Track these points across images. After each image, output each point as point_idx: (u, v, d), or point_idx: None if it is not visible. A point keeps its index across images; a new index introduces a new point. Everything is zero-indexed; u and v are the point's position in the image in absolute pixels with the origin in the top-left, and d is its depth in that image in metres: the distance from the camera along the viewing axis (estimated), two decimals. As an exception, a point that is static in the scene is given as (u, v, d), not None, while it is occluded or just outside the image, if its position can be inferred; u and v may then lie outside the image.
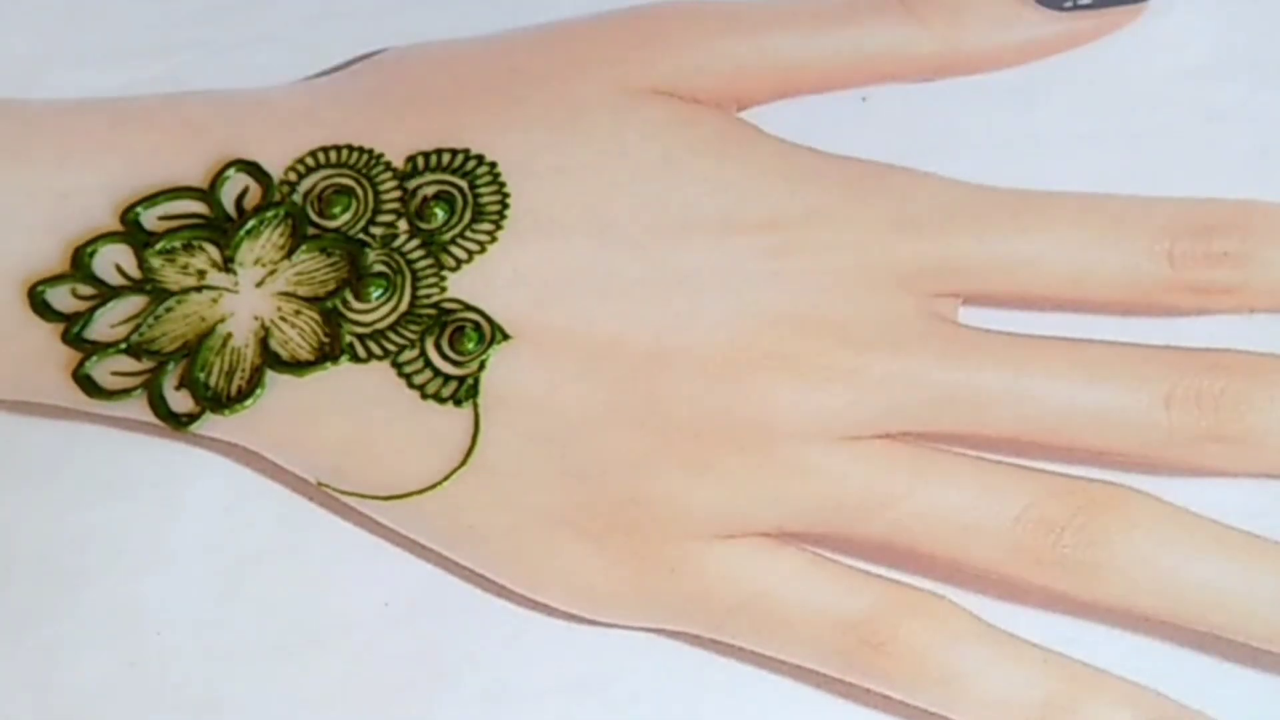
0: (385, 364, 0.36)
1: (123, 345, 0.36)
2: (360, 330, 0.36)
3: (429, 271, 0.36)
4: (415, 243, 0.36)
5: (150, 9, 0.42)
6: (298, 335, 0.36)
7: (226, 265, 0.36)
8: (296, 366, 0.36)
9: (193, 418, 0.36)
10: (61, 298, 0.36)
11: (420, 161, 0.37)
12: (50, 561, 0.38)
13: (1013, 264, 0.37)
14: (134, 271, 0.36)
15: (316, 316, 0.36)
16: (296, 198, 0.37)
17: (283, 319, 0.36)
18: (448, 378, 0.36)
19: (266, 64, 0.40)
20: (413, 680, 0.37)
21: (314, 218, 0.37)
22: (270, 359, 0.36)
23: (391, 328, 0.36)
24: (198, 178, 0.36)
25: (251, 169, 0.37)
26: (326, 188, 0.37)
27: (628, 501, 0.35)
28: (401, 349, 0.36)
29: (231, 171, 0.37)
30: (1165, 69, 0.40)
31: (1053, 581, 0.35)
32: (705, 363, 0.36)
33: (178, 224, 0.36)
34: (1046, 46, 0.40)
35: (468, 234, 0.36)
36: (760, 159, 0.38)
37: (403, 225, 0.37)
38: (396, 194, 0.37)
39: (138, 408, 0.37)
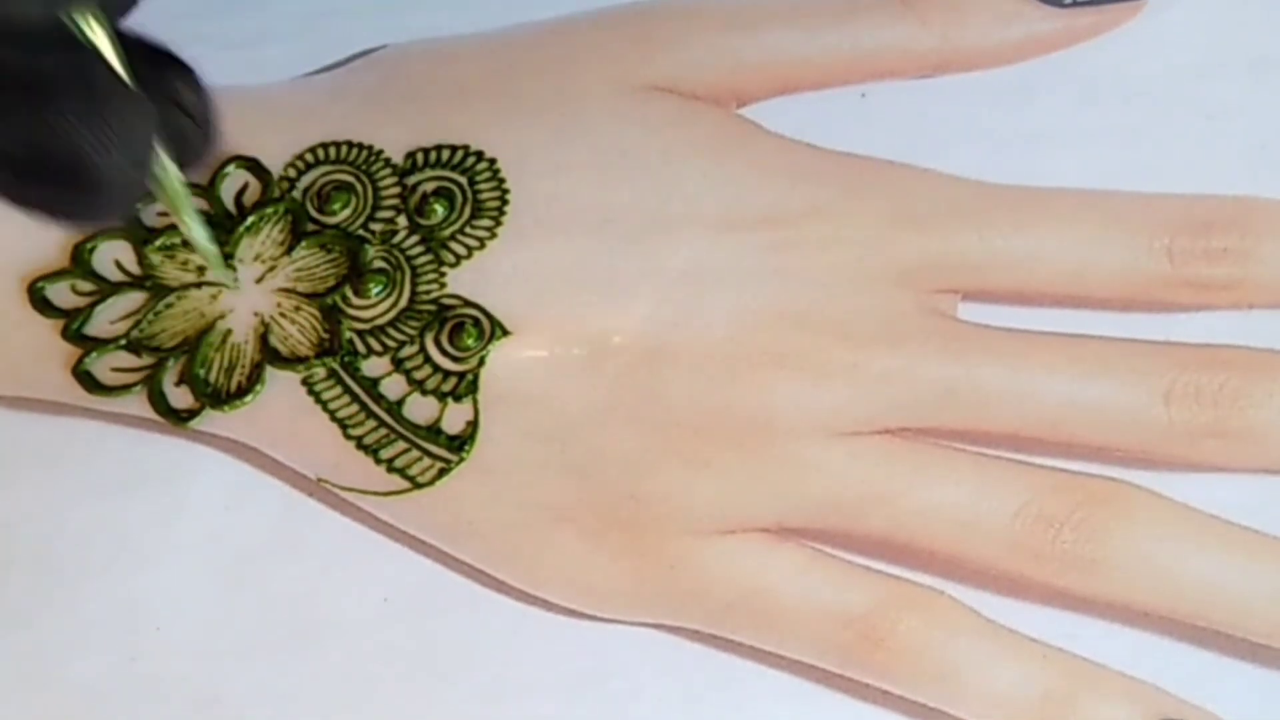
0: (385, 360, 0.36)
1: (122, 341, 0.36)
2: (360, 326, 0.36)
3: (428, 267, 0.36)
4: (415, 239, 0.36)
5: (149, 6, 0.42)
6: (297, 331, 0.36)
7: (226, 261, 0.36)
8: (296, 362, 0.36)
9: (192, 414, 0.36)
10: (61, 294, 0.36)
11: (420, 158, 0.37)
12: (50, 557, 0.38)
13: (1012, 260, 0.37)
14: (134, 267, 0.36)
15: (316, 312, 0.36)
16: (296, 194, 0.37)
17: (282, 315, 0.36)
18: (447, 373, 0.36)
19: (266, 61, 0.40)
20: (412, 676, 0.37)
21: (314, 214, 0.37)
22: (270, 355, 0.36)
23: (391, 324, 0.36)
24: (197, 174, 0.36)
25: (251, 165, 0.37)
26: (326, 184, 0.37)
27: (627, 497, 0.35)
28: (401, 345, 0.36)
29: (231, 168, 0.37)
30: (1164, 66, 0.40)
31: (1052, 577, 0.35)
32: (704, 359, 0.36)
33: (177, 220, 0.36)
34: (1045, 43, 0.40)
35: (467, 230, 0.36)
36: (759, 155, 0.38)
37: (402, 221, 0.37)
38: (396, 190, 0.37)
39: (137, 404, 0.37)
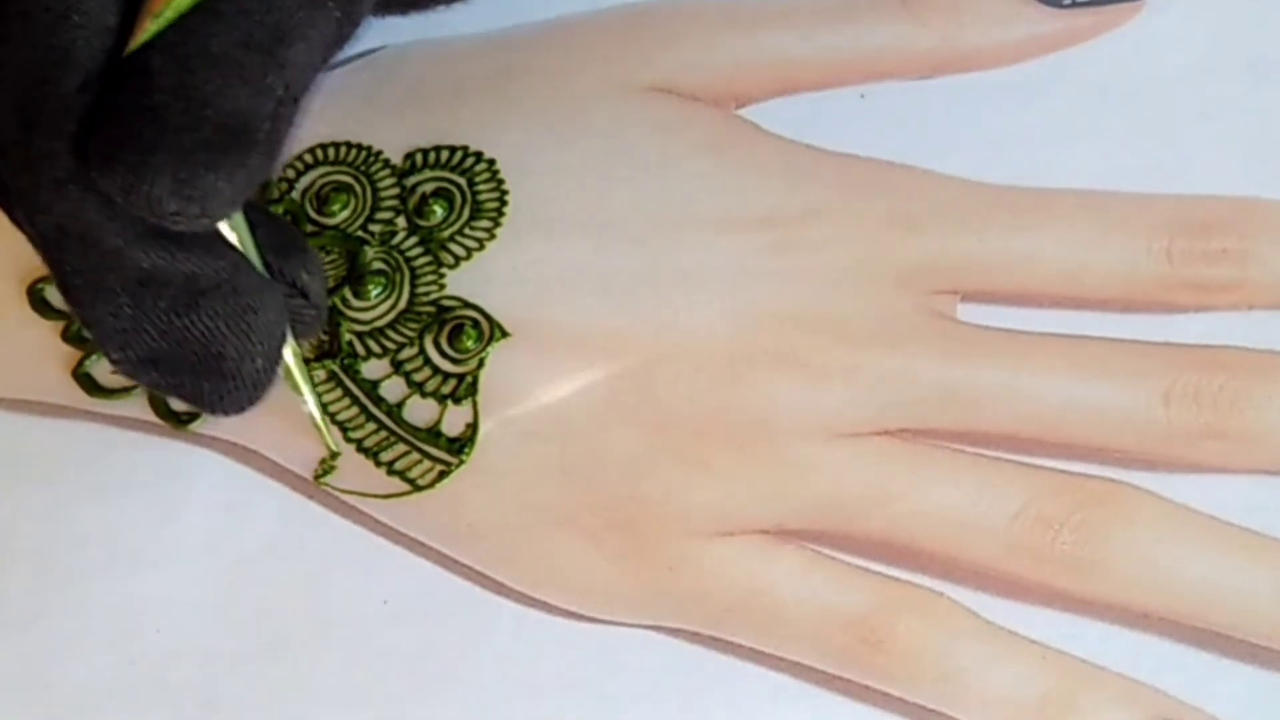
0: (384, 362, 0.36)
1: (122, 344, 0.36)
2: (359, 328, 0.36)
3: (428, 269, 0.36)
4: (414, 240, 0.36)
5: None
6: (297, 333, 0.36)
7: None
8: (296, 364, 0.36)
9: (192, 416, 0.37)
10: (61, 296, 0.36)
11: (419, 158, 0.37)
12: (50, 560, 0.38)
13: (1011, 261, 0.37)
14: (133, 270, 0.36)
15: (315, 315, 0.36)
16: (295, 195, 0.37)
17: (282, 317, 0.36)
18: (447, 375, 0.36)
19: (265, 62, 0.40)
20: (412, 678, 0.37)
21: (312, 215, 0.37)
22: (269, 357, 0.36)
23: (390, 325, 0.36)
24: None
25: (250, 167, 0.37)
26: (325, 185, 0.37)
27: (626, 499, 0.35)
28: (400, 347, 0.36)
29: (230, 169, 0.37)
30: (1163, 66, 0.40)
31: (1051, 578, 0.35)
32: (704, 360, 0.36)
33: (177, 222, 0.36)
34: (1045, 44, 0.40)
35: (466, 231, 0.36)
36: (759, 156, 0.38)
37: (401, 222, 0.37)
38: (395, 191, 0.37)
39: (138, 406, 0.37)
